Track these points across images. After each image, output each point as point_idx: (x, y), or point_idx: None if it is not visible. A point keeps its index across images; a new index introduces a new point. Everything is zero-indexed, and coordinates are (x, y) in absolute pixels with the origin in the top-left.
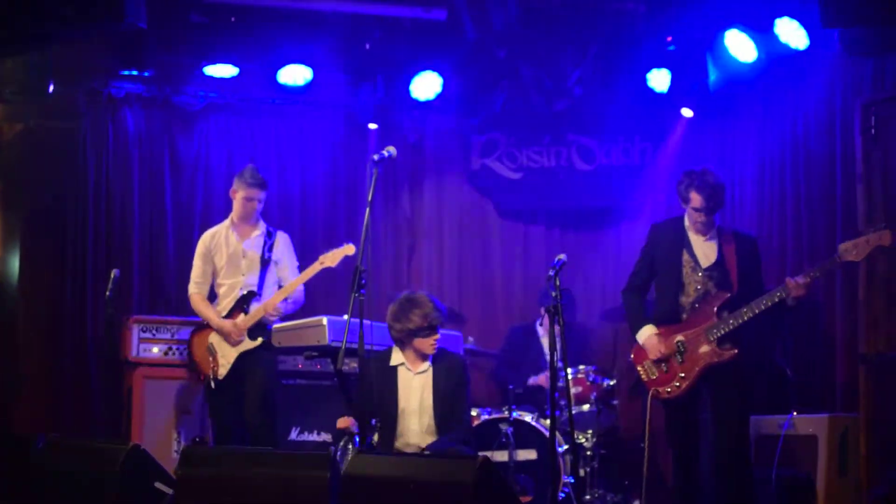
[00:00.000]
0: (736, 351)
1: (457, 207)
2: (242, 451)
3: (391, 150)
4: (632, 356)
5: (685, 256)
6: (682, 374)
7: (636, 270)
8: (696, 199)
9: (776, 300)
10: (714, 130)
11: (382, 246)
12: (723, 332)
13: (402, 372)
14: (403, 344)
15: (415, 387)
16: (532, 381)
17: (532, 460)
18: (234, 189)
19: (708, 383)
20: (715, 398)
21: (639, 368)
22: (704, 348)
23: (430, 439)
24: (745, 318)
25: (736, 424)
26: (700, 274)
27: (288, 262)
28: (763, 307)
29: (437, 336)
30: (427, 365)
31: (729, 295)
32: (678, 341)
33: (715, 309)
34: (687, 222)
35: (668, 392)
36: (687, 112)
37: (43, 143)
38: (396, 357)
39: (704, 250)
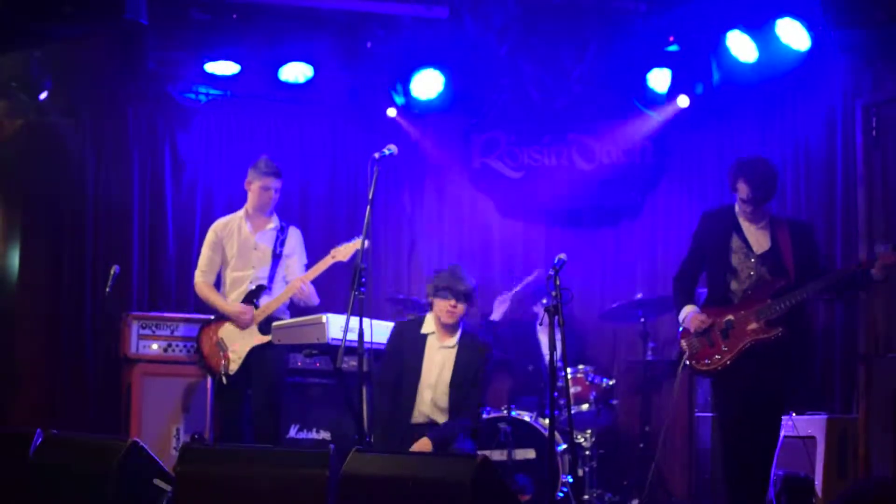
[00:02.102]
0: (781, 329)
1: (457, 206)
2: (241, 448)
3: (392, 148)
4: (680, 332)
5: (735, 242)
6: (725, 349)
7: (686, 258)
8: (743, 189)
9: (847, 277)
10: (715, 131)
11: (383, 244)
12: (774, 314)
13: (430, 341)
14: (431, 307)
15: (437, 360)
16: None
17: (530, 460)
18: (249, 180)
19: (753, 371)
20: (751, 389)
21: (683, 343)
22: (752, 325)
23: (438, 414)
24: (799, 298)
25: (761, 419)
26: (753, 260)
27: (297, 258)
28: (822, 286)
29: (454, 303)
30: (455, 341)
31: (784, 282)
32: (727, 319)
33: (770, 294)
34: (737, 209)
35: (707, 364)
36: (683, 101)
37: (43, 139)
38: (428, 325)
39: (757, 237)
